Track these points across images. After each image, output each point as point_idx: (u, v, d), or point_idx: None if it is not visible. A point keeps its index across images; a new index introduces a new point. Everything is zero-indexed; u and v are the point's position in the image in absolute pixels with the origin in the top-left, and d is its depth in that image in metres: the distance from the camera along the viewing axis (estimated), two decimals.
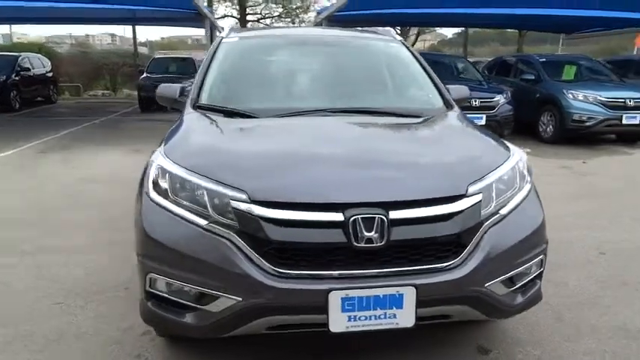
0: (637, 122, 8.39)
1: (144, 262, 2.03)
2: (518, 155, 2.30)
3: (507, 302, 2.05)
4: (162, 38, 57.50)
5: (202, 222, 1.93)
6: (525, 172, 2.25)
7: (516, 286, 2.09)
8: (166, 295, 2.01)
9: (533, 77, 9.41)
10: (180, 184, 2.04)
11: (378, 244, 1.83)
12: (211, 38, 18.58)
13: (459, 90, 3.23)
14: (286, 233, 1.85)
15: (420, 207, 1.90)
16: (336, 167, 2.08)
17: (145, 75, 14.22)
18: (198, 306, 1.95)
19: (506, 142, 2.48)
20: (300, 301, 1.83)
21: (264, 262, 1.84)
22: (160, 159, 2.19)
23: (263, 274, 1.83)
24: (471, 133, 2.60)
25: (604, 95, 8.54)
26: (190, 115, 2.70)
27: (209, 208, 1.93)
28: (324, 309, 1.82)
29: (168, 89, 3.17)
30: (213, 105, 2.79)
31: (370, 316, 1.84)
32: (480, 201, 1.98)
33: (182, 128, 2.56)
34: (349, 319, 1.83)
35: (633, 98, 8.51)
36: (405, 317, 1.86)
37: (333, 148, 2.25)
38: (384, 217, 1.84)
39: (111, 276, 3.35)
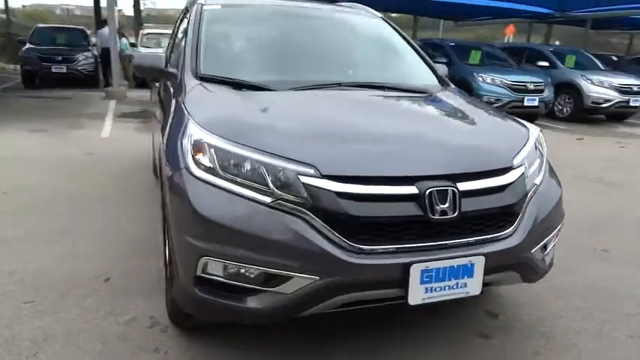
0: (536, 104, 9.49)
1: (195, 244, 1.83)
2: (535, 130, 2.45)
3: (541, 267, 2.20)
4: (24, 6, 51.42)
5: (266, 199, 1.80)
6: (541, 146, 2.41)
7: (547, 252, 2.25)
8: (222, 280, 1.85)
9: (445, 61, 10.06)
10: (231, 159, 1.87)
11: (451, 216, 1.85)
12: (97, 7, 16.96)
13: (441, 69, 3.34)
14: (362, 208, 1.79)
15: (481, 179, 1.95)
16: (397, 141, 2.05)
17: (28, 46, 12.60)
18: (264, 288, 1.82)
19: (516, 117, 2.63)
20: (380, 276, 1.80)
21: (342, 238, 1.77)
22: (198, 132, 1.98)
23: (341, 250, 1.76)
24: (488, 110, 2.69)
25: (509, 79, 9.63)
26: (201, 87, 2.46)
27: (270, 184, 1.80)
28: (403, 282, 1.80)
29: (151, 59, 2.87)
30: (220, 77, 2.58)
31: (445, 287, 1.86)
32: (524, 172, 2.09)
33: (202, 99, 2.34)
34: (426, 291, 1.84)
35: (533, 82, 9.73)
36: (474, 286, 1.92)
37: (382, 122, 2.22)
38: (455, 190, 1.86)
39: (78, 267, 2.99)
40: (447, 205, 1.84)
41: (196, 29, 2.90)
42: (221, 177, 1.86)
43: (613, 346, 2.43)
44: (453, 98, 2.79)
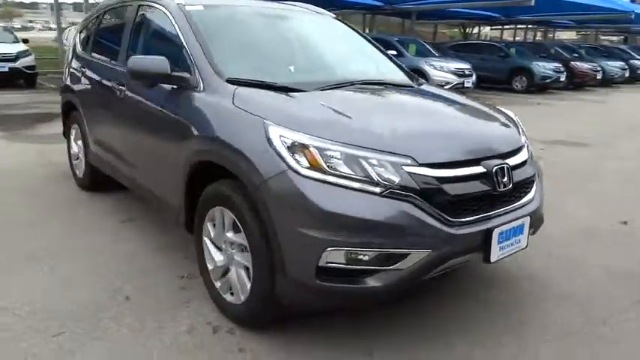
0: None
1: (319, 237, 1.98)
2: (513, 114, 3.04)
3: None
4: None
5: (376, 189, 2.03)
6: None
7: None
8: (343, 266, 2.03)
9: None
10: (334, 156, 2.05)
11: (508, 187, 2.30)
12: None
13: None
14: (453, 188, 2.14)
15: (515, 156, 2.45)
16: (455, 131, 2.42)
17: None
18: (383, 267, 2.05)
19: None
20: (472, 242, 2.17)
21: (443, 215, 2.09)
22: (292, 134, 2.10)
23: (444, 225, 2.08)
24: (474, 100, 3.16)
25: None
26: (244, 91, 2.49)
27: (375, 176, 2.04)
28: (487, 245, 2.20)
29: (152, 63, 2.74)
30: (250, 80, 2.62)
31: (509, 245, 2.31)
32: (528, 147, 2.65)
33: (263, 103, 2.39)
34: (499, 250, 2.26)
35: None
36: (524, 241, 2.41)
37: (429, 116, 2.57)
38: (508, 166, 2.32)
39: (82, 291, 2.78)
40: (506, 179, 2.29)
41: (193, 31, 2.84)
42: (329, 173, 2.02)
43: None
44: (442, 91, 3.24)
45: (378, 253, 2.03)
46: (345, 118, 2.27)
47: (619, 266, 3.29)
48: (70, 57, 4.61)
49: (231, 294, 2.50)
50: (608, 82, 18.03)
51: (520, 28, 31.74)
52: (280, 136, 2.12)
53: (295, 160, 2.05)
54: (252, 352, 2.30)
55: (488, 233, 2.19)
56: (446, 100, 3.02)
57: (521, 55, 15.99)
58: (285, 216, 2.06)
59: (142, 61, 2.76)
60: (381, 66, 3.48)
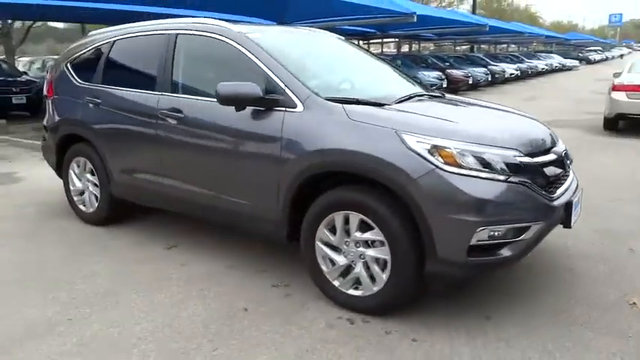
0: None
1: (471, 220, 2.41)
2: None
3: None
4: None
5: (501, 177, 2.52)
6: None
7: None
8: (487, 242, 2.48)
9: None
10: (467, 154, 2.50)
11: (569, 169, 2.95)
12: None
13: None
14: (547, 170, 2.72)
15: (560, 144, 3.11)
16: (527, 128, 3.00)
17: None
18: (513, 240, 2.54)
19: None
20: (562, 212, 2.75)
21: (546, 193, 2.65)
22: (432, 139, 2.51)
23: (548, 200, 2.65)
24: (497, 105, 3.78)
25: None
26: (353, 107, 2.81)
27: (497, 166, 2.53)
28: (569, 213, 2.80)
29: (244, 88, 2.94)
30: (344, 98, 2.95)
31: (576, 213, 2.94)
32: None
33: (380, 116, 2.73)
34: (572, 217, 2.88)
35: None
36: (579, 213, 3.06)
37: (496, 118, 3.13)
38: (566, 151, 2.97)
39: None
40: (568, 161, 2.93)
41: (272, 57, 3.08)
42: (464, 168, 2.47)
43: None
44: (468, 98, 3.83)
45: (512, 228, 2.51)
46: (452, 124, 2.73)
47: None
48: (59, 89, 4.42)
49: (355, 288, 2.80)
50: (475, 86, 20.58)
51: (387, 42, 34.60)
52: (417, 142, 2.51)
53: (437, 160, 2.46)
54: (397, 332, 2.63)
55: (569, 204, 2.80)
56: (487, 105, 3.58)
57: (407, 66, 17.66)
58: (437, 207, 2.45)
59: (233, 87, 2.94)
60: (405, 80, 3.98)
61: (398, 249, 2.57)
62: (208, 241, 3.90)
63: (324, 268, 2.89)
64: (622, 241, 3.79)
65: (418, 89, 3.70)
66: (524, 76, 25.53)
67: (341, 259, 2.82)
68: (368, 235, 2.69)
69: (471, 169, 2.48)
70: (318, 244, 2.88)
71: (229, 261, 3.53)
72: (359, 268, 2.76)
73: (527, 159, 2.62)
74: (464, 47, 35.33)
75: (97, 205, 4.24)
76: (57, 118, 4.43)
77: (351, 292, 2.82)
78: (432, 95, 3.58)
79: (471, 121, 2.90)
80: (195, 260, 3.55)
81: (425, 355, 2.43)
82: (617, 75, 9.52)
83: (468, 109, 3.41)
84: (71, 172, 4.39)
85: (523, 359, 2.38)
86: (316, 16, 17.25)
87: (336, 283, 2.86)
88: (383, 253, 2.65)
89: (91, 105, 4.06)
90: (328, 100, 2.89)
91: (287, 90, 2.95)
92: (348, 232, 2.77)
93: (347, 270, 2.82)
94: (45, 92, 4.68)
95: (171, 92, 3.54)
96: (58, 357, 2.45)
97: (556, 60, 33.26)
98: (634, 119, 8.53)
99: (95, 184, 4.21)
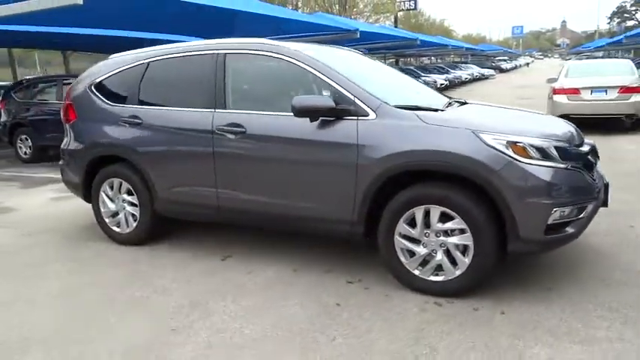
0: None
1: (549, 202, 2.83)
2: None
3: None
4: None
5: (562, 165, 2.96)
6: None
7: None
8: (558, 221, 2.90)
9: None
10: (534, 147, 2.92)
11: (598, 158, 3.48)
12: None
13: None
14: (589, 159, 3.21)
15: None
16: (557, 125, 3.48)
17: None
18: (576, 218, 2.98)
19: None
20: (603, 193, 3.25)
21: (590, 175, 3.14)
22: (508, 136, 2.91)
23: (594, 182, 3.13)
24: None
25: None
26: (426, 113, 3.16)
27: (557, 155, 2.96)
28: (606, 194, 3.30)
29: (319, 100, 3.21)
30: (405, 105, 3.30)
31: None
32: None
33: (453, 119, 3.10)
34: (608, 197, 3.38)
35: None
36: None
37: (532, 119, 3.61)
38: (592, 144, 3.49)
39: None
40: (596, 156, 3.45)
41: (337, 71, 3.38)
42: (534, 159, 2.89)
43: None
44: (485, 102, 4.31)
45: (575, 208, 2.95)
46: (507, 123, 3.17)
47: None
48: (83, 112, 4.40)
49: (436, 275, 3.12)
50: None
51: None
52: (494, 139, 2.90)
53: (512, 153, 2.86)
54: (484, 308, 2.97)
55: (607, 185, 3.31)
56: (513, 108, 4.06)
57: None
58: (519, 193, 2.84)
59: (308, 99, 3.21)
60: (431, 89, 4.39)
61: (480, 234, 2.93)
62: (258, 249, 4.06)
63: (403, 259, 3.19)
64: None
65: (446, 97, 4.12)
66: (452, 85, 27.35)
67: (421, 250, 3.13)
68: (449, 225, 3.02)
69: (538, 159, 2.90)
70: (397, 237, 3.18)
71: (293, 265, 3.72)
72: (440, 256, 3.08)
73: (576, 149, 3.10)
74: (389, 61, 37.13)
75: (135, 225, 4.25)
76: (84, 141, 4.39)
77: (432, 278, 3.13)
78: (461, 102, 4.01)
79: (521, 120, 3.36)
80: (258, 267, 3.71)
81: (517, 323, 2.78)
82: (551, 80, 10.61)
83: (507, 111, 3.86)
84: (103, 194, 4.36)
85: (594, 317, 2.81)
86: (263, 35, 17.58)
87: (416, 272, 3.17)
88: (465, 239, 2.99)
89: (128, 125, 4.10)
90: (398, 107, 3.22)
91: (357, 100, 3.24)
92: (427, 225, 3.09)
93: (426, 259, 3.13)
94: (63, 117, 4.62)
95: (227, 109, 3.69)
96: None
97: (476, 70, 35.75)
98: (576, 119, 9.57)
99: (133, 204, 4.22)
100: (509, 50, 74.49)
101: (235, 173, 3.68)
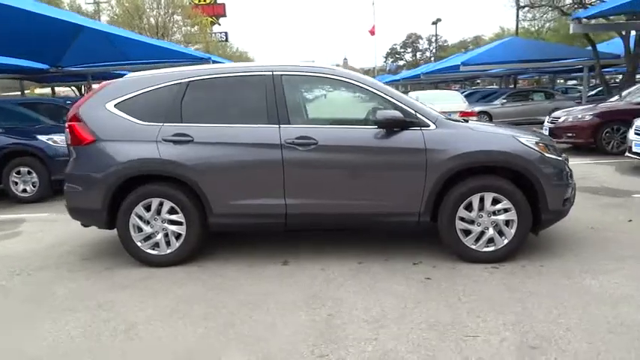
0: None
1: (565, 184, 4.06)
2: None
3: None
4: None
5: (560, 157, 4.22)
6: None
7: None
8: (567, 196, 4.13)
9: None
10: (548, 145, 4.14)
11: None
12: None
13: None
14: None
15: None
16: (539, 132, 4.77)
17: None
18: (571, 195, 4.25)
19: None
20: None
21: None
22: (532, 138, 4.05)
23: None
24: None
25: None
26: (470, 122, 4.12)
27: (558, 151, 4.24)
28: None
29: (395, 114, 3.94)
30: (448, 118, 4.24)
31: None
32: None
33: (492, 128, 4.10)
34: None
35: None
36: None
37: (524, 129, 4.81)
38: None
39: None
40: None
41: (392, 90, 4.16)
42: (550, 153, 4.09)
43: None
44: None
45: (571, 187, 4.23)
46: (521, 131, 4.35)
47: None
48: (105, 132, 4.22)
49: (487, 246, 4.08)
50: None
51: None
52: (527, 141, 4.02)
53: (540, 150, 4.02)
54: (528, 265, 4.01)
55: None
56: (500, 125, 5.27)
57: None
58: (548, 178, 3.98)
59: (389, 113, 3.93)
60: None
61: (521, 210, 3.99)
62: (308, 249, 4.46)
63: (462, 237, 4.06)
64: None
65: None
66: None
67: (476, 228, 4.05)
68: (499, 206, 4.02)
69: (551, 153, 4.11)
70: (458, 220, 4.04)
71: (355, 259, 4.26)
72: (491, 231, 4.05)
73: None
74: None
75: (178, 244, 4.23)
76: (109, 162, 4.18)
77: (485, 249, 4.07)
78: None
79: (524, 129, 4.58)
80: (327, 264, 4.15)
81: (559, 271, 3.88)
82: None
83: (506, 126, 5.04)
84: (135, 217, 4.21)
85: (602, 263, 4.10)
86: (97, 60, 16.63)
87: (473, 246, 4.07)
88: (510, 216, 4.01)
89: (173, 143, 4.12)
90: (446, 119, 4.14)
91: (418, 114, 4.05)
92: (480, 208, 4.03)
93: (480, 235, 4.06)
94: (71, 140, 4.30)
95: (292, 124, 4.10)
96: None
97: None
98: None
99: (177, 223, 4.21)
100: None
101: (306, 181, 4.09)
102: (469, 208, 4.04)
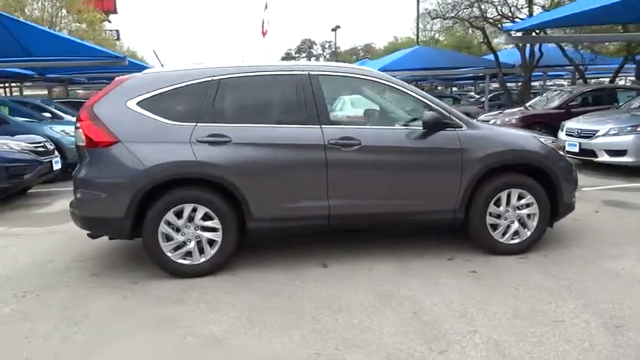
0: None
1: (575, 179, 4.47)
2: None
3: None
4: None
5: (567, 155, 4.69)
6: None
7: None
8: (575, 191, 4.58)
9: None
10: (561, 144, 4.57)
11: None
12: None
13: None
14: None
15: None
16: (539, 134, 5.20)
17: None
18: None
19: None
20: None
21: None
22: (550, 138, 4.43)
23: None
24: None
25: None
26: (492, 125, 4.37)
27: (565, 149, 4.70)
28: None
29: (436, 116, 4.07)
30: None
31: None
32: None
33: (513, 129, 4.38)
34: None
35: None
36: None
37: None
38: None
39: None
40: None
41: (419, 90, 4.31)
42: (562, 151, 4.53)
43: None
44: None
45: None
46: (535, 133, 4.73)
47: None
48: (128, 133, 3.85)
49: (512, 239, 4.38)
50: None
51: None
52: (545, 140, 4.40)
53: (558, 149, 4.43)
54: (551, 254, 4.38)
55: None
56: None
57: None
58: (563, 174, 4.37)
59: (434, 115, 4.05)
60: None
61: (542, 204, 4.35)
62: (338, 251, 4.43)
63: (491, 231, 4.32)
64: None
65: None
66: None
67: (503, 222, 4.33)
68: (523, 201, 4.33)
69: (562, 152, 4.54)
70: (488, 216, 4.29)
71: (392, 257, 4.32)
72: (516, 225, 4.35)
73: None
74: None
75: (213, 252, 3.97)
76: (134, 166, 3.80)
77: (511, 242, 4.37)
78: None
79: (531, 132, 4.97)
80: (369, 264, 4.16)
81: (577, 261, 4.26)
82: None
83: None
84: (164, 225, 3.87)
85: (609, 247, 4.59)
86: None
87: (501, 240, 4.34)
88: (532, 210, 4.35)
89: (209, 144, 3.87)
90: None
91: (452, 116, 4.23)
92: (506, 203, 4.32)
93: (506, 229, 4.35)
94: (86, 141, 3.84)
95: (333, 124, 4.06)
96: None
97: None
98: None
99: (212, 229, 3.95)
100: None
101: (350, 182, 4.07)
102: (497, 203, 4.30)
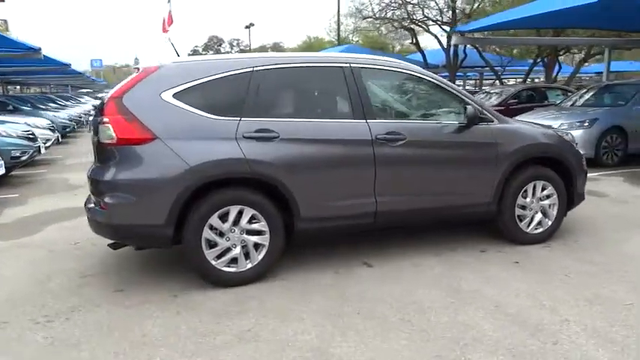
0: None
1: (585, 169, 4.74)
2: None
3: None
4: None
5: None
6: None
7: None
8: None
9: None
10: (574, 139, 4.83)
11: None
12: None
13: None
14: None
15: None
16: None
17: None
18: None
19: None
20: None
21: None
22: (568, 133, 4.66)
23: None
24: None
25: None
26: (519, 120, 4.49)
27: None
28: None
29: (476, 110, 4.10)
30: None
31: None
32: None
33: (539, 124, 4.53)
34: None
35: None
36: None
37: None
38: None
39: None
40: None
41: (454, 85, 4.33)
42: (576, 144, 4.79)
43: None
44: None
45: None
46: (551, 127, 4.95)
47: None
48: (168, 128, 3.45)
49: (535, 229, 4.56)
50: None
51: None
52: (566, 134, 4.62)
53: (575, 144, 4.67)
54: (558, 247, 4.63)
55: None
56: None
57: None
58: (579, 166, 4.62)
59: (475, 109, 4.06)
60: None
61: (561, 196, 4.57)
62: (372, 249, 4.32)
63: (519, 223, 4.46)
64: None
65: None
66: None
67: (528, 213, 4.49)
68: (545, 192, 4.52)
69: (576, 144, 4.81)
70: (517, 208, 4.42)
71: (429, 251, 4.30)
72: (540, 215, 4.53)
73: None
74: None
75: (260, 257, 3.68)
76: (177, 166, 3.40)
77: (535, 231, 4.54)
78: None
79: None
80: (411, 260, 4.10)
81: (595, 247, 4.53)
82: None
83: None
84: (207, 230, 3.52)
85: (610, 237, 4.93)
86: None
87: (527, 230, 4.50)
88: (553, 200, 4.55)
89: (256, 141, 3.58)
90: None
91: (484, 111, 4.30)
92: (532, 194, 4.48)
93: (531, 219, 4.51)
94: (118, 138, 3.37)
95: (378, 119, 3.93)
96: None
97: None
98: None
99: (258, 232, 3.66)
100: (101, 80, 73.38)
101: (396, 177, 3.96)
102: (524, 195, 4.44)
